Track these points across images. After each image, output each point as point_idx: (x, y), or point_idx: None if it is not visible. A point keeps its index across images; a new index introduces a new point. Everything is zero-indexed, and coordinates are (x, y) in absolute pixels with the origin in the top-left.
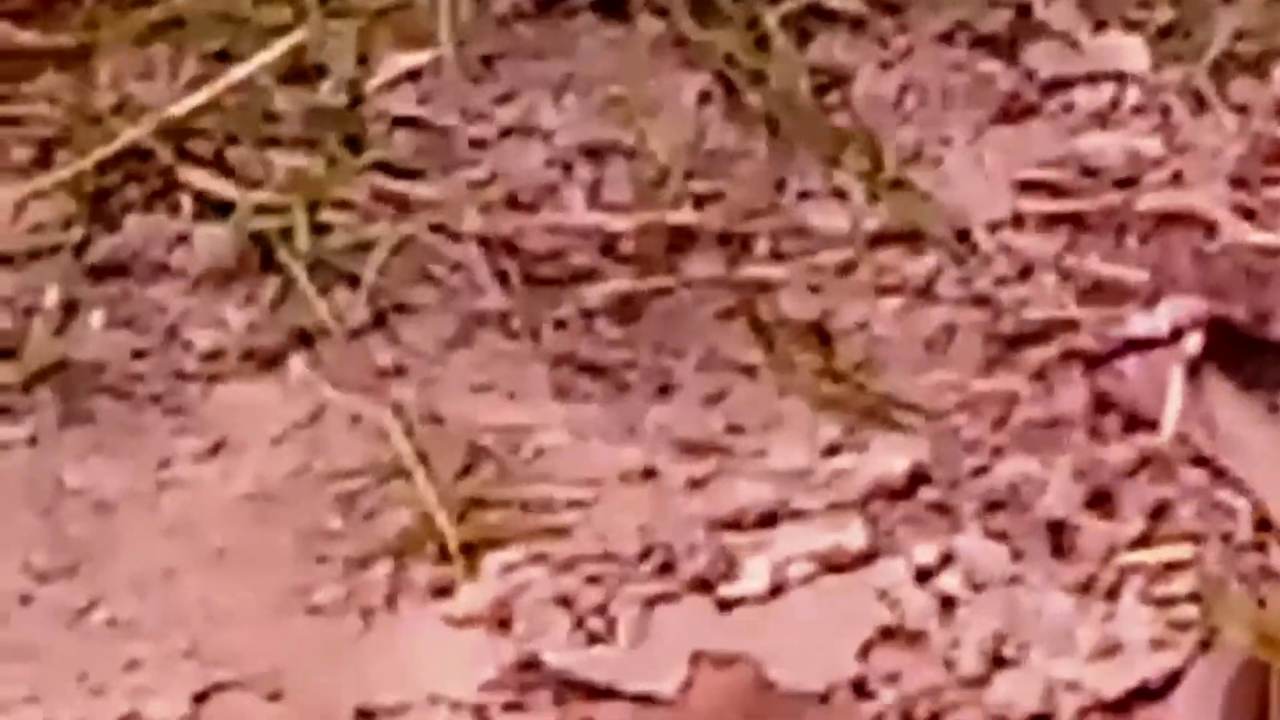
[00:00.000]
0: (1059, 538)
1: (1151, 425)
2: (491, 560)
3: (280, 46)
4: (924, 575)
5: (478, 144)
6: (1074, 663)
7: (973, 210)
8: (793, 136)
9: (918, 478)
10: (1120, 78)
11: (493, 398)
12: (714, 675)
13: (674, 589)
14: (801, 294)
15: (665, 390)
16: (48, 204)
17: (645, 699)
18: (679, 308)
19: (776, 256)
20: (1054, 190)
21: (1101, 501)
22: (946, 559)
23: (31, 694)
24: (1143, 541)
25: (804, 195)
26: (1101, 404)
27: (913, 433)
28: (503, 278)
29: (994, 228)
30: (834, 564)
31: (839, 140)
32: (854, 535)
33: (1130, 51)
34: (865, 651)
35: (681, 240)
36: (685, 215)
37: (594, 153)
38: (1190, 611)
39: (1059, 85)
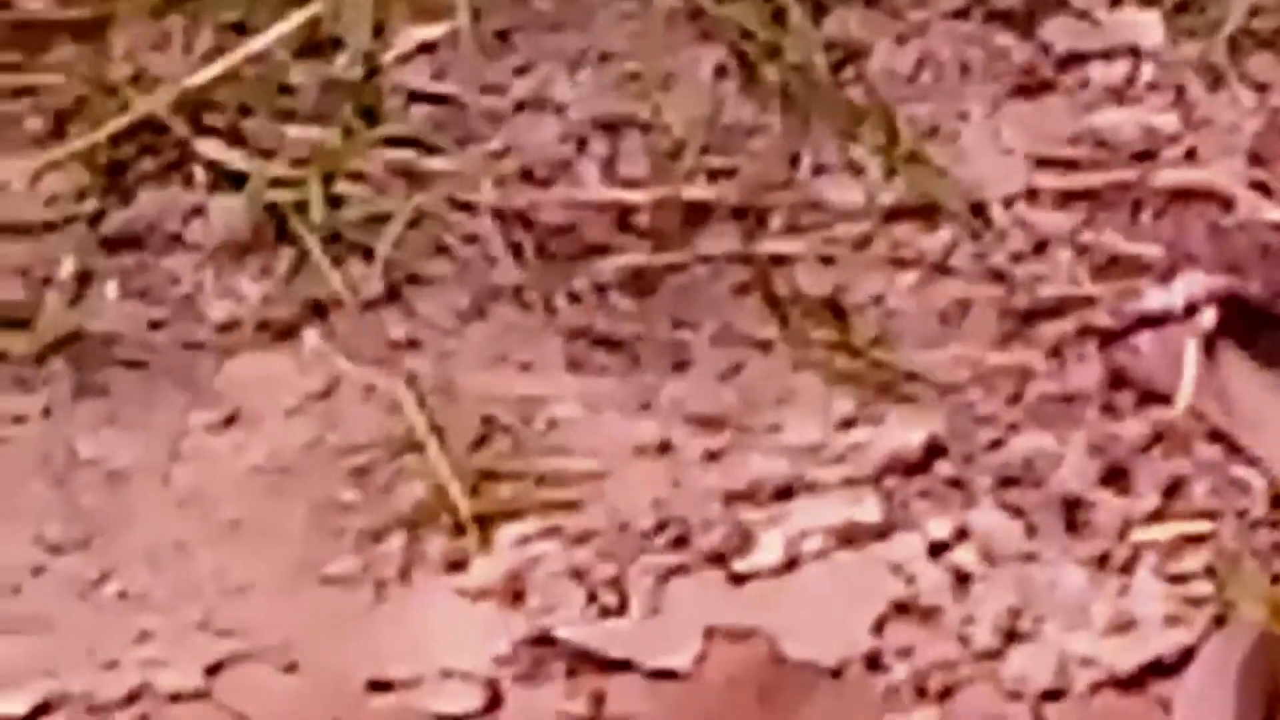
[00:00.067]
0: (1073, 513)
1: (1166, 401)
2: (505, 533)
3: (296, 19)
4: (938, 550)
5: (493, 117)
6: (1088, 637)
7: (988, 185)
8: (808, 111)
9: (932, 452)
10: (1136, 53)
11: (507, 370)
12: (727, 649)
13: (688, 562)
14: (816, 268)
15: (680, 364)
16: (62, 175)
17: (658, 673)
18: (694, 282)
19: (792, 231)
20: (1070, 165)
21: (1116, 477)
22: (961, 534)
23: (44, 665)
24: (1157, 517)
25: (819, 170)
26: (1116, 379)
27: (927, 407)
28: (517, 251)
29: (1009, 203)
30: (848, 538)
31: (855, 115)
32: (868, 509)
33: (1146, 27)
34: (879, 626)
35: (696, 214)
36: (700, 189)
37: (609, 126)
38: (1204, 587)
39: (1075, 60)
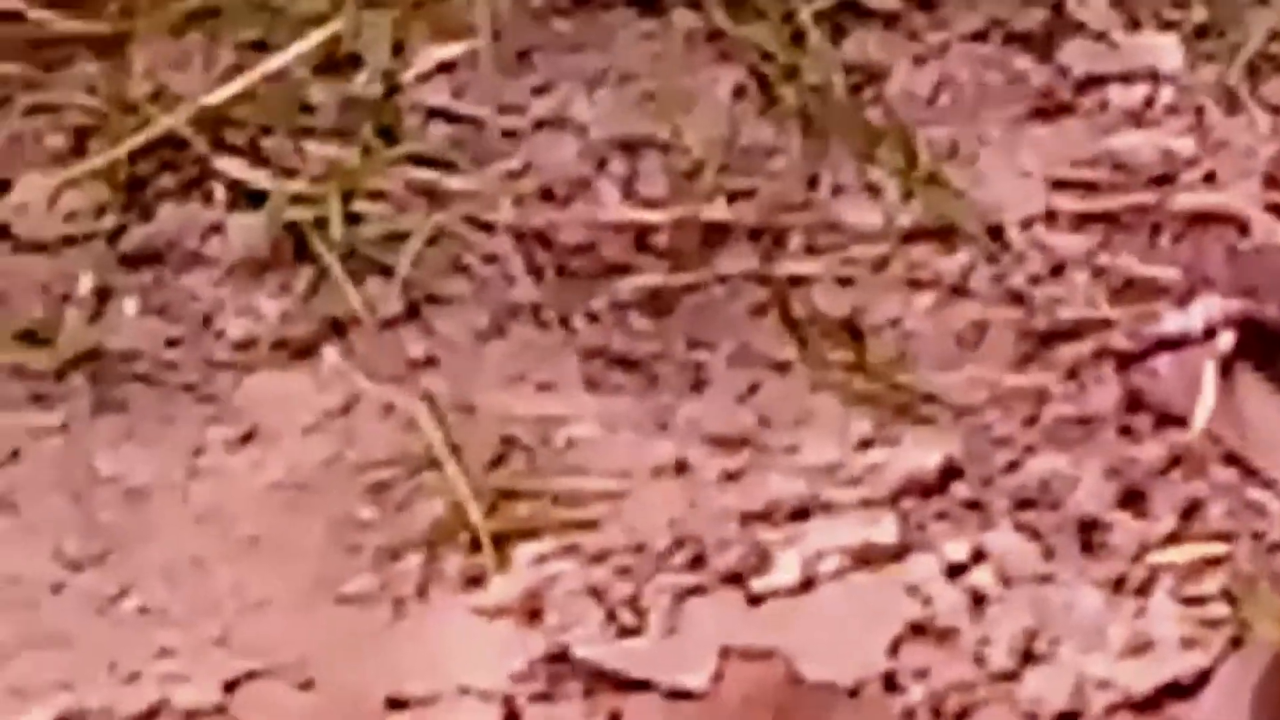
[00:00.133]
0: (1090, 535)
1: (1183, 423)
2: (522, 552)
3: (316, 37)
4: (955, 571)
5: (512, 136)
6: (1104, 659)
7: (1006, 207)
8: (827, 132)
9: (949, 473)
10: (1155, 76)
11: (525, 389)
12: (744, 669)
13: (705, 582)
14: (834, 289)
15: (697, 384)
16: (82, 192)
17: (675, 692)
18: (711, 302)
19: (810, 252)
20: (1087, 188)
21: (1133, 499)
22: (978, 555)
23: (62, 681)
24: (1174, 539)
25: (838, 191)
26: (1133, 402)
27: (944, 429)
28: (536, 270)
29: (1027, 225)
30: (865, 559)
31: (873, 136)
32: (885, 530)
33: (1165, 50)
34: (895, 647)
35: (715, 235)
36: (719, 210)
37: (628, 146)
38: (1221, 610)
39: (1093, 83)
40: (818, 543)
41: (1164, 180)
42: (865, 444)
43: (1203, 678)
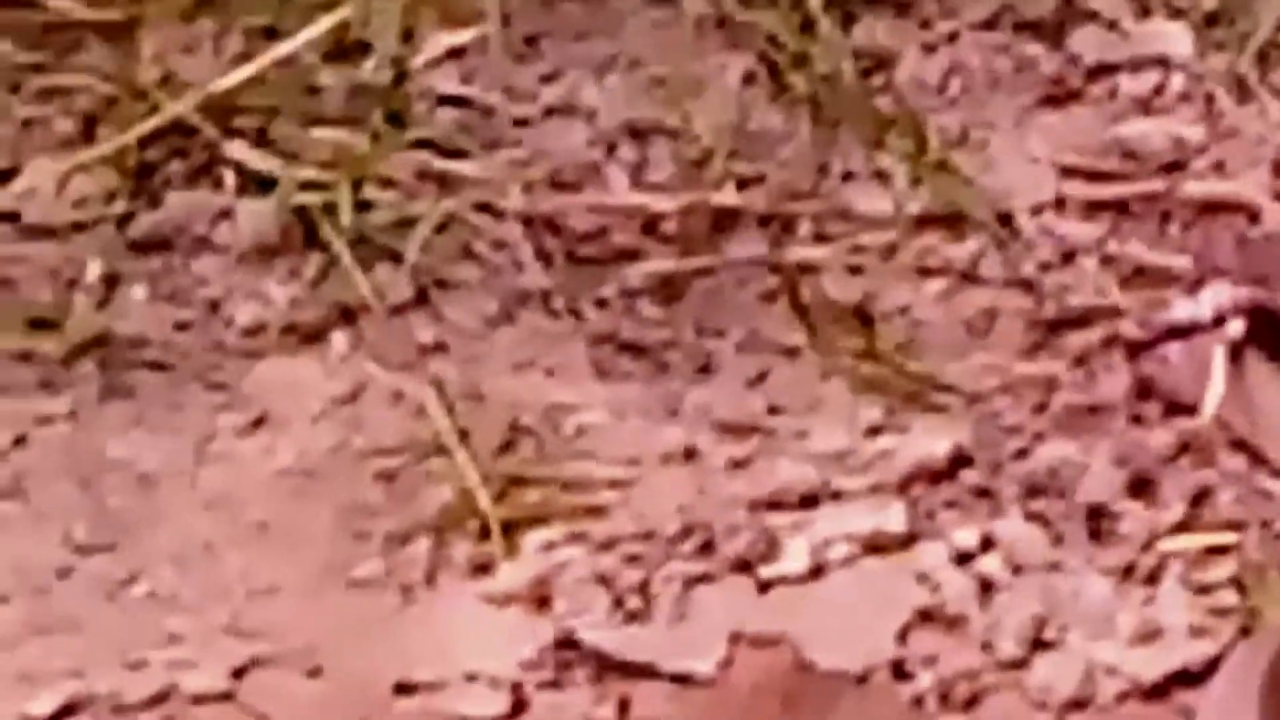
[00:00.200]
0: (1099, 522)
1: (1192, 411)
2: (531, 538)
3: (325, 23)
4: (964, 558)
5: (521, 123)
6: (1113, 647)
7: (1016, 194)
8: (836, 119)
9: (958, 461)
10: (1165, 64)
11: (534, 376)
12: (752, 655)
13: (713, 569)
14: (844, 276)
15: (706, 370)
16: (91, 177)
17: (683, 678)
18: (721, 288)
19: (819, 238)
20: (1097, 176)
21: (1142, 487)
22: (986, 542)
23: (71, 666)
24: (1183, 527)
25: (847, 177)
26: (1143, 390)
27: (954, 416)
28: (545, 256)
29: (1037, 212)
30: (874, 546)
31: (882, 123)
32: (894, 517)
33: (1175, 38)
34: (904, 633)
35: (724, 221)
36: (728, 196)
37: (637, 133)
38: (1230, 598)
39: (1103, 71)
40: (827, 530)
41: (1174, 168)
42: (874, 431)
43: (1212, 665)
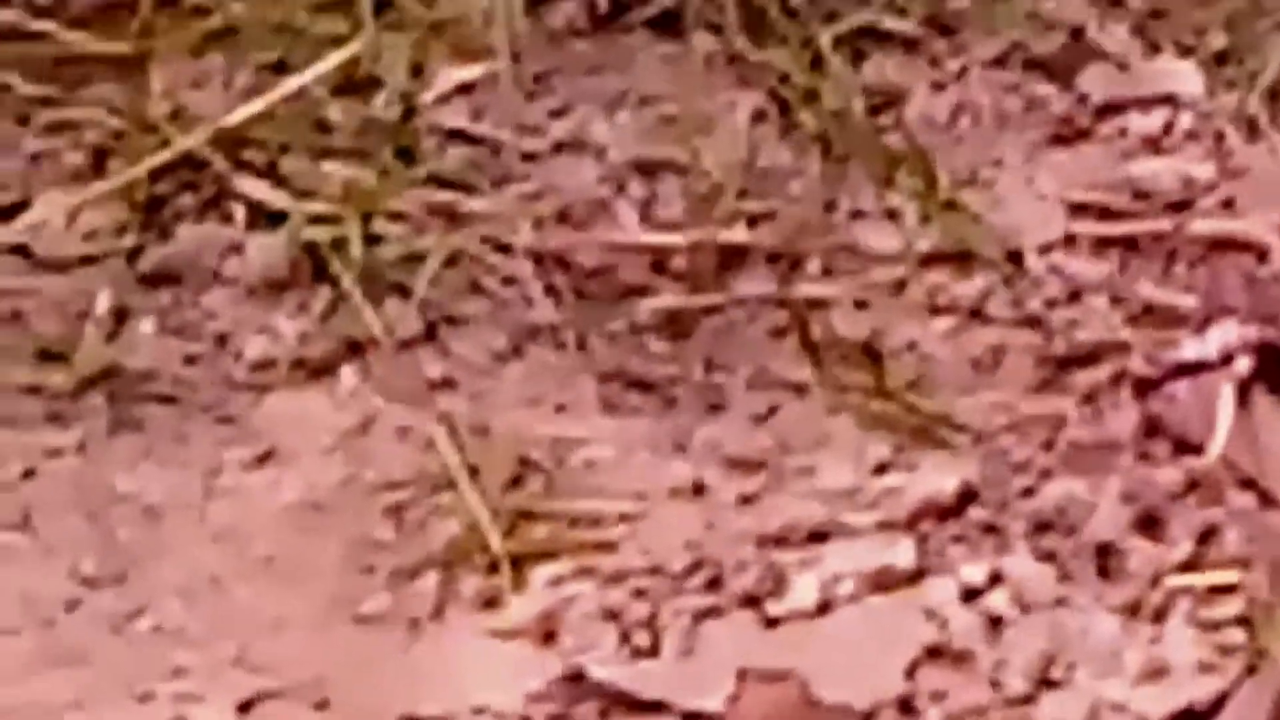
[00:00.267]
0: (1106, 560)
1: (1200, 449)
2: (539, 573)
3: (335, 58)
4: (971, 595)
5: (530, 158)
6: (1120, 684)
7: (1024, 232)
8: (845, 156)
9: (966, 497)
10: (1174, 103)
11: (542, 411)
12: (760, 691)
13: (721, 604)
14: (852, 313)
15: (715, 407)
16: (101, 211)
17: (691, 714)
18: (729, 325)
19: (828, 275)
20: (1106, 214)
21: (1150, 524)
22: (994, 579)
23: (77, 699)
24: (1190, 565)
25: (856, 215)
26: (1151, 427)
27: (962, 453)
28: (554, 292)
29: (1045, 250)
30: (882, 582)
31: (892, 160)
32: (902, 554)
33: (1184, 76)
34: (912, 670)
35: (733, 258)
36: (737, 233)
37: (647, 169)
38: (1237, 635)
39: (1112, 109)
40: (835, 566)
41: (1183, 206)
42: (882, 467)
43: (1219, 703)
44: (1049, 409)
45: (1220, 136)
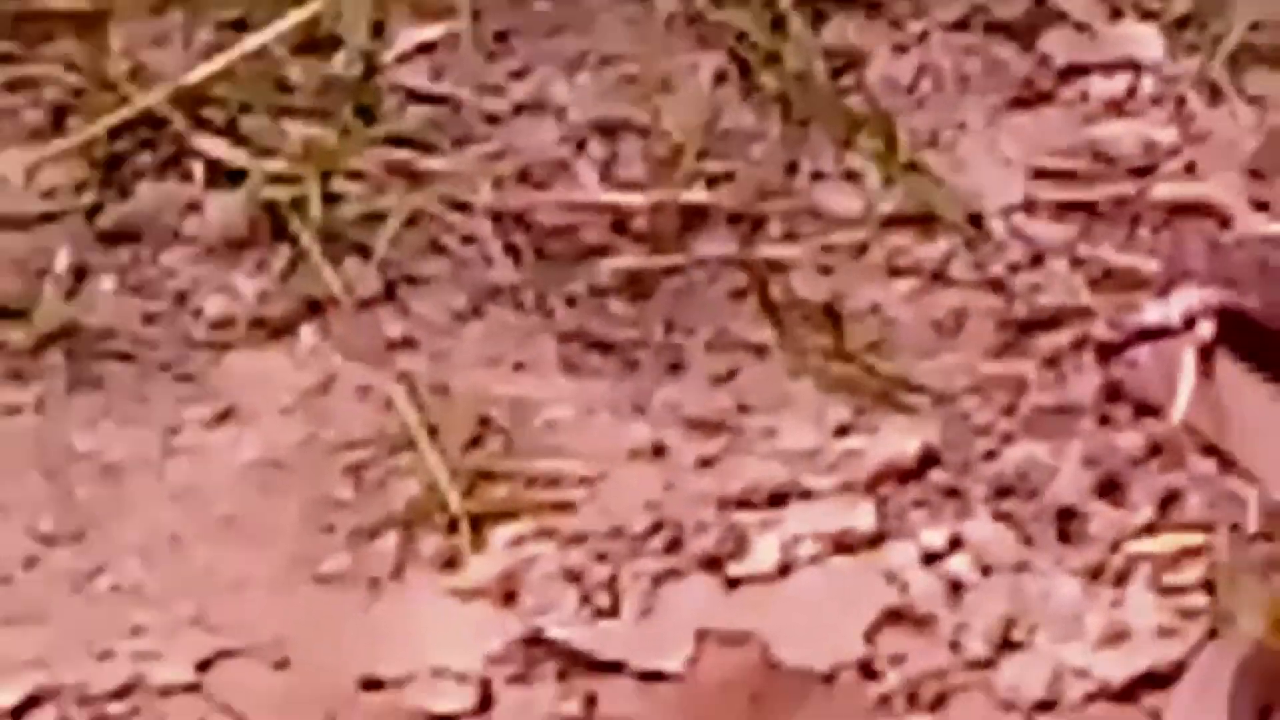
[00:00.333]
0: (1068, 524)
1: (1162, 413)
2: (499, 534)
3: (295, 16)
4: (932, 558)
5: (491, 118)
6: (1081, 648)
7: (986, 195)
8: (807, 118)
9: (927, 461)
10: (1136, 67)
11: (502, 371)
12: (720, 653)
13: (681, 566)
14: (813, 275)
15: (675, 368)
16: (60, 168)
17: (651, 675)
18: (690, 286)
19: (789, 237)
20: (1068, 178)
21: (1111, 489)
22: (955, 542)
23: (36, 657)
24: (1152, 529)
25: (817, 177)
26: (1112, 392)
27: (923, 416)
28: (514, 252)
29: (1007, 213)
30: (843, 545)
31: (853, 123)
32: (863, 516)
33: (1146, 41)
34: (872, 633)
35: (694, 219)
36: (698, 194)
37: (607, 130)
38: (1198, 600)
39: (1074, 73)
40: (795, 528)
41: (1145, 171)
42: (843, 430)
43: (1179, 668)
44: (1010, 372)
45: (1182, 101)
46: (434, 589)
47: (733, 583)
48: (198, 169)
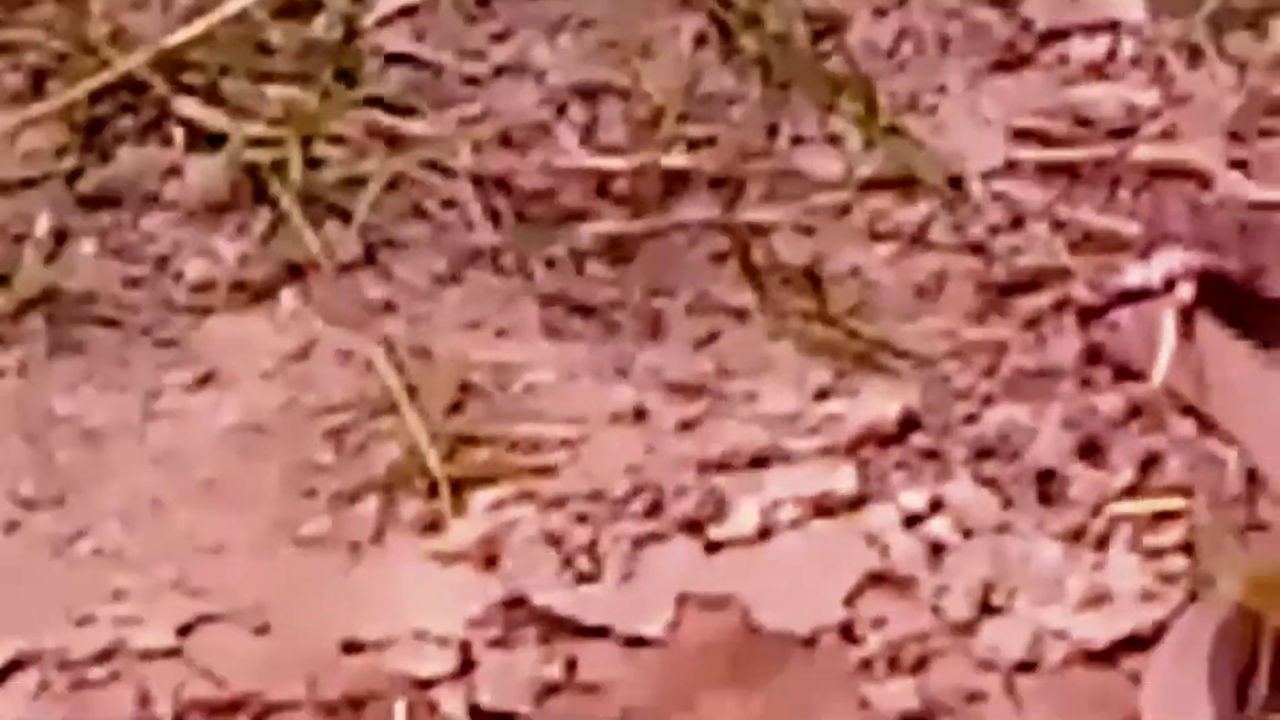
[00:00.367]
0: (1048, 486)
1: (1143, 376)
2: (480, 497)
3: None
4: (913, 521)
5: (472, 81)
6: (1062, 611)
7: (967, 158)
8: (788, 81)
9: (908, 423)
10: (1117, 29)
11: (483, 335)
12: (701, 617)
13: (662, 530)
14: (794, 238)
15: (656, 331)
16: (40, 132)
17: (632, 639)
18: (671, 249)
19: (770, 200)
20: (1048, 140)
21: (1092, 451)
22: (936, 505)
23: (18, 621)
24: (1132, 492)
25: (798, 140)
26: (1093, 354)
27: (903, 379)
28: (495, 216)
29: (988, 176)
30: (823, 508)
31: (834, 86)
32: (843, 480)
33: (1127, 3)
34: (853, 596)
35: (675, 182)
36: (679, 158)
37: (588, 93)
38: (1179, 563)
39: (1055, 35)
40: (776, 491)
41: (1125, 133)
42: (824, 393)
43: (1160, 630)
44: (991, 335)
45: (1163, 63)
46: (415, 553)
47: (713, 546)
48: (178, 133)
